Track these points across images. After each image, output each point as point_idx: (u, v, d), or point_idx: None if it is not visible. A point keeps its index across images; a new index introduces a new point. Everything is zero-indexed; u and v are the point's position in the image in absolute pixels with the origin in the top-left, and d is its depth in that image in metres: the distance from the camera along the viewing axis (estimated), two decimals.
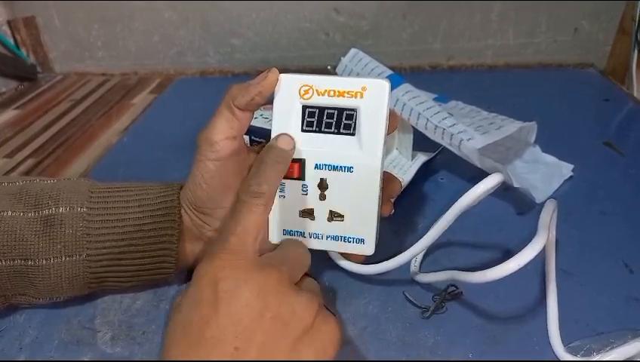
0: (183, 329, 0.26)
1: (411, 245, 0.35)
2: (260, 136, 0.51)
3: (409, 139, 0.51)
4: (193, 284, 0.27)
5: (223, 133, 0.33)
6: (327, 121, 0.33)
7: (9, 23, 0.85)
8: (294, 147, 0.34)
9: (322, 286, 0.32)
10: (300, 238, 0.35)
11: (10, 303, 0.36)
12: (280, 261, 0.30)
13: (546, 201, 0.36)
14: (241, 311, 0.26)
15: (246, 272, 0.27)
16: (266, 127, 0.50)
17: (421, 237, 0.34)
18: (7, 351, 0.36)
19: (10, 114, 0.76)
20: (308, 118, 0.34)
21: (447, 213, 0.33)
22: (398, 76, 0.53)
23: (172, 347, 0.26)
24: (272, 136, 0.34)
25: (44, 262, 0.34)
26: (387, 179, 0.36)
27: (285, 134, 0.33)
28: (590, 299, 0.38)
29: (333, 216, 0.35)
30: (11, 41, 0.86)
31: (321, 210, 0.35)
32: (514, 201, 0.48)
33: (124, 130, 0.69)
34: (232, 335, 0.25)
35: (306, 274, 0.32)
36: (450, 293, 0.38)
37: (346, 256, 0.37)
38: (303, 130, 0.34)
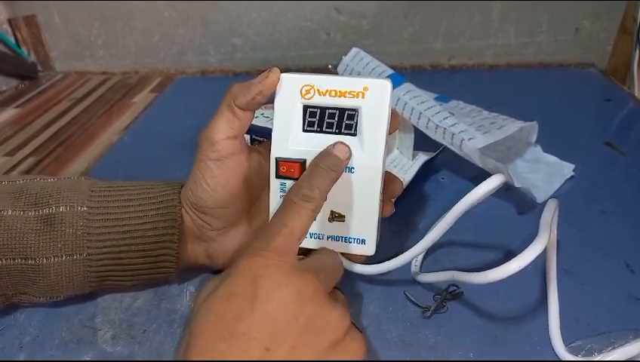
0: (215, 319, 0.25)
1: (412, 245, 0.35)
2: (260, 136, 0.51)
3: (410, 138, 0.51)
4: (231, 276, 0.27)
5: (224, 133, 0.33)
6: (329, 121, 0.33)
7: (10, 21, 0.85)
8: (350, 157, 0.33)
9: (348, 300, 0.32)
10: None
11: (11, 302, 0.36)
12: (318, 269, 0.29)
13: (547, 201, 0.36)
14: (277, 313, 0.25)
15: (287, 275, 0.27)
16: (267, 126, 0.50)
17: (422, 238, 0.34)
18: (7, 349, 0.36)
19: (10, 112, 0.76)
20: (309, 117, 0.34)
21: (449, 213, 0.33)
22: (399, 75, 0.53)
23: (201, 334, 0.25)
24: (273, 135, 0.34)
25: (45, 261, 0.34)
26: (388, 179, 0.36)
27: (343, 143, 0.33)
28: (591, 298, 0.38)
29: (334, 216, 0.35)
30: (12, 39, 0.86)
31: (322, 210, 0.35)
32: (515, 201, 0.48)
33: (125, 128, 0.69)
34: (264, 335, 0.25)
35: (335, 287, 0.32)
36: (451, 293, 0.38)
37: (347, 256, 0.37)
38: (304, 130, 0.34)
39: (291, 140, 0.34)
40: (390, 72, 0.53)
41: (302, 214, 0.29)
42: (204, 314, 0.26)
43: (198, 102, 0.73)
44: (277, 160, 0.34)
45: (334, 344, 0.27)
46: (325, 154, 0.33)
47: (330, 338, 0.27)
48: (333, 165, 0.32)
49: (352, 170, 0.33)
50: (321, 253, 0.34)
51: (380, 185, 0.34)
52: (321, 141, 0.34)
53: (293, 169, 0.34)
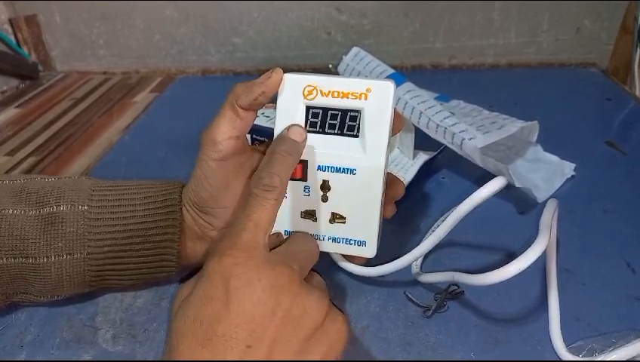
0: (193, 324, 0.26)
1: (413, 245, 0.35)
2: (261, 135, 0.51)
3: (411, 138, 0.51)
4: (203, 279, 0.27)
5: (226, 133, 0.33)
6: (331, 122, 0.33)
7: (10, 21, 0.85)
8: (306, 138, 0.33)
9: (328, 282, 0.32)
10: None
11: (12, 301, 0.36)
12: (291, 258, 0.29)
13: (547, 201, 0.36)
14: (254, 309, 0.26)
15: (258, 270, 0.27)
16: (268, 125, 0.50)
17: (423, 238, 0.34)
18: (8, 349, 0.36)
19: (11, 112, 0.76)
20: (311, 118, 0.34)
21: (450, 216, 0.32)
22: (400, 75, 0.53)
23: (181, 342, 0.25)
24: (275, 135, 0.34)
25: (45, 259, 0.34)
26: (390, 181, 0.36)
27: (297, 125, 0.33)
28: (592, 298, 0.38)
29: (335, 217, 0.34)
30: (13, 39, 0.86)
31: (323, 212, 0.35)
32: (515, 200, 0.48)
33: (126, 128, 0.69)
34: (243, 333, 0.25)
35: (311, 270, 0.32)
36: (452, 292, 0.38)
37: (348, 258, 0.37)
38: (306, 131, 0.34)
39: None
40: (391, 71, 0.53)
41: (265, 205, 0.29)
42: (182, 320, 0.26)
43: (199, 102, 0.74)
44: None
45: (315, 330, 0.27)
46: (280, 138, 0.33)
47: (309, 325, 0.27)
48: (290, 149, 0.32)
49: (354, 172, 0.33)
50: (294, 238, 0.33)
51: (381, 186, 0.33)
52: (323, 142, 0.34)
53: (295, 170, 0.34)
